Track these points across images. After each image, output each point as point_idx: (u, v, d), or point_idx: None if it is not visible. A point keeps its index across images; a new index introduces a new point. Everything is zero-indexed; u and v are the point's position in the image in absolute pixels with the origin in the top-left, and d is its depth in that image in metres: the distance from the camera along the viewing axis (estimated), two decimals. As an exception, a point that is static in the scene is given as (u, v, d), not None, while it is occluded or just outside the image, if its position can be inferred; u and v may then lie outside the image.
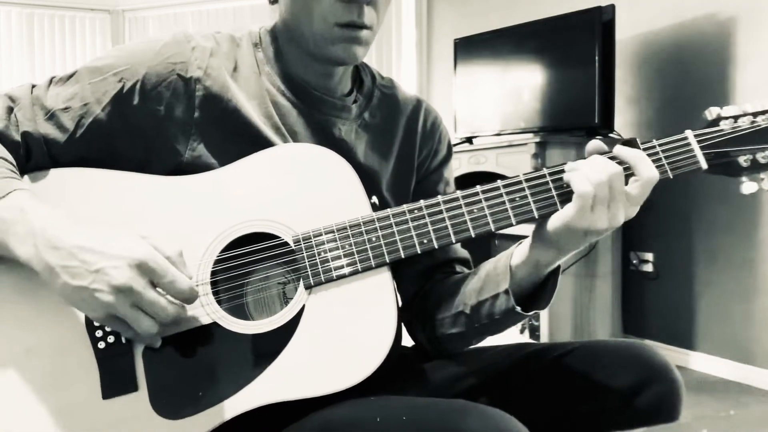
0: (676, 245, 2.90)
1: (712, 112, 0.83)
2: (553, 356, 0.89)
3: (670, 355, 2.84)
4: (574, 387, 0.86)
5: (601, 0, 2.87)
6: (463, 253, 1.01)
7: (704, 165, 0.81)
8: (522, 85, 3.18)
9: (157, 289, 0.72)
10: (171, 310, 0.72)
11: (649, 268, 3.04)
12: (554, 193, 0.79)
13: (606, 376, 0.84)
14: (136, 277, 0.69)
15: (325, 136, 0.90)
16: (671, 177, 0.80)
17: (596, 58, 2.83)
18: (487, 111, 3.35)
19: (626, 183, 0.78)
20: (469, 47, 3.47)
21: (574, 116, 2.95)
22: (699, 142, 0.81)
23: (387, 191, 0.94)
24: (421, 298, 0.97)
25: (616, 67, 2.89)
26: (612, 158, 0.79)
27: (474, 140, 3.39)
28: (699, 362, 2.83)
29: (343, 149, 0.89)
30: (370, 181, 0.91)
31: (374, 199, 0.88)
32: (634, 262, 3.08)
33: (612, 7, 2.85)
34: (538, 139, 2.80)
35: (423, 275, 0.98)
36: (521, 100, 3.18)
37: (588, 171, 0.76)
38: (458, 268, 0.99)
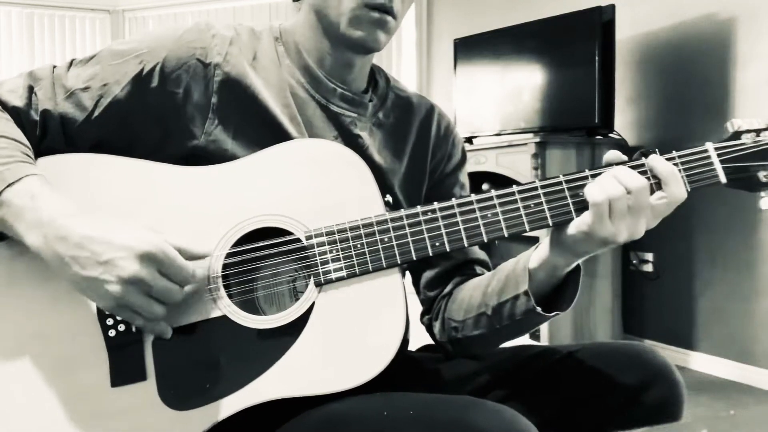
0: (676, 245, 2.90)
1: (734, 125, 0.81)
2: (557, 358, 0.89)
3: (670, 355, 2.85)
4: (576, 388, 0.86)
5: (601, 0, 2.87)
6: (481, 254, 1.00)
7: (723, 179, 0.79)
8: (522, 85, 3.18)
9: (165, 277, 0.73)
10: (181, 295, 0.74)
11: (649, 268, 3.04)
12: (570, 201, 0.78)
13: (608, 377, 0.84)
14: (144, 267, 0.70)
15: (342, 131, 0.90)
16: (689, 190, 0.78)
17: (596, 58, 2.83)
18: (487, 111, 3.35)
19: (651, 193, 0.76)
20: (469, 47, 3.47)
21: (574, 116, 2.95)
22: (719, 155, 0.79)
23: (399, 191, 0.95)
24: (443, 301, 0.97)
25: (616, 67, 2.89)
26: (641, 166, 0.78)
27: (474, 140, 3.40)
28: (699, 362, 2.83)
29: (359, 145, 0.90)
30: (383, 179, 0.91)
31: (388, 197, 0.88)
32: (634, 262, 3.08)
33: (612, 7, 2.85)
34: (538, 139, 2.79)
35: (443, 277, 0.98)
36: (521, 100, 3.18)
37: (604, 181, 0.76)
38: (478, 269, 0.99)
